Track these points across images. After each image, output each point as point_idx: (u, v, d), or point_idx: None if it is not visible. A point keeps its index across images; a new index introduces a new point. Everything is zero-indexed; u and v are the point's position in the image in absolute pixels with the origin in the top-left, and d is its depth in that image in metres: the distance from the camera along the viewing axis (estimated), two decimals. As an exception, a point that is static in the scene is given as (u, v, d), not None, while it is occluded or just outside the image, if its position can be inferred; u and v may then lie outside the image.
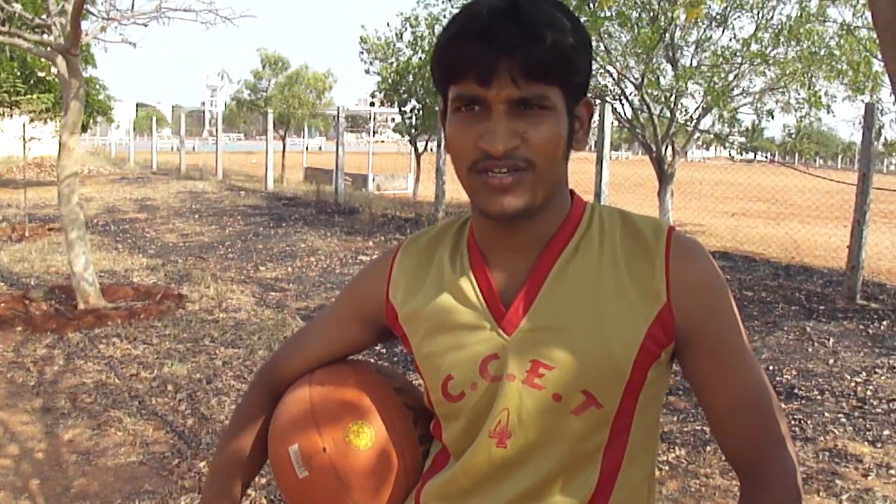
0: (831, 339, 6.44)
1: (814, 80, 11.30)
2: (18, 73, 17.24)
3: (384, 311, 1.31)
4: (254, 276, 8.95)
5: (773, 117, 12.44)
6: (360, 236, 11.96)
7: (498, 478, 1.18)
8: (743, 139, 12.50)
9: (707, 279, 1.17)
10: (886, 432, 4.59)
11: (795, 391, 5.27)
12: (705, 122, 12.39)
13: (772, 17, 11.48)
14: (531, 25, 1.06)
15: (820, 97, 11.37)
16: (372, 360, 1.65)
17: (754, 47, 11.25)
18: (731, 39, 12.26)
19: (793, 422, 4.74)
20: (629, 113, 12.27)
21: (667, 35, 11.32)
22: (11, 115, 17.98)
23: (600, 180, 9.65)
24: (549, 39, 1.06)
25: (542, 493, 1.16)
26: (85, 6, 6.58)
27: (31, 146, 12.93)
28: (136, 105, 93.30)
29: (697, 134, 12.74)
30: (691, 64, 12.05)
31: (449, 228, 1.30)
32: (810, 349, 6.19)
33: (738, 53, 11.53)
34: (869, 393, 5.23)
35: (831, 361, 5.88)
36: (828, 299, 7.90)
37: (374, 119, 28.94)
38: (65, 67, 6.98)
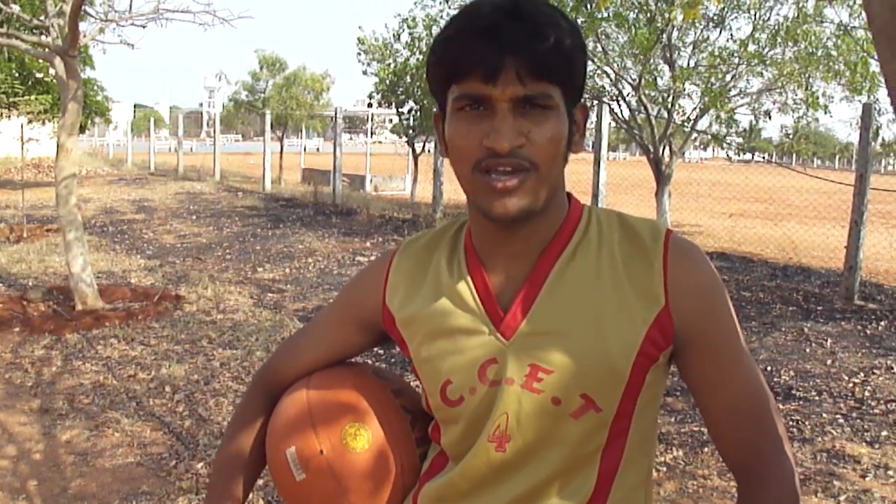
0: (829, 340, 6.44)
1: (811, 80, 11.32)
2: (16, 75, 17.22)
3: (381, 315, 1.31)
4: (251, 278, 8.95)
5: (770, 118, 12.45)
6: (358, 237, 11.96)
7: (496, 481, 1.18)
8: (740, 140, 12.48)
9: (705, 282, 1.17)
10: (884, 433, 4.59)
11: (793, 392, 5.28)
12: (703, 123, 12.41)
13: (769, 18, 11.51)
14: (535, 24, 1.06)
15: (817, 98, 11.39)
16: (370, 362, 1.65)
17: (751, 48, 11.27)
18: (728, 40, 12.24)
19: (790, 423, 4.74)
20: (626, 114, 12.29)
21: (664, 36, 11.33)
22: (9, 117, 17.96)
23: (598, 181, 9.65)
24: (552, 38, 1.06)
25: (539, 496, 1.16)
26: (83, 7, 6.57)
27: (29, 147, 12.92)
28: (134, 106, 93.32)
29: (695, 135, 12.75)
30: (689, 65, 12.06)
31: (446, 232, 1.30)
32: (808, 350, 6.20)
33: (735, 54, 11.55)
34: (867, 393, 5.23)
35: (829, 362, 5.88)
36: (825, 300, 7.91)
37: (372, 120, 28.92)
38: (63, 69, 6.97)
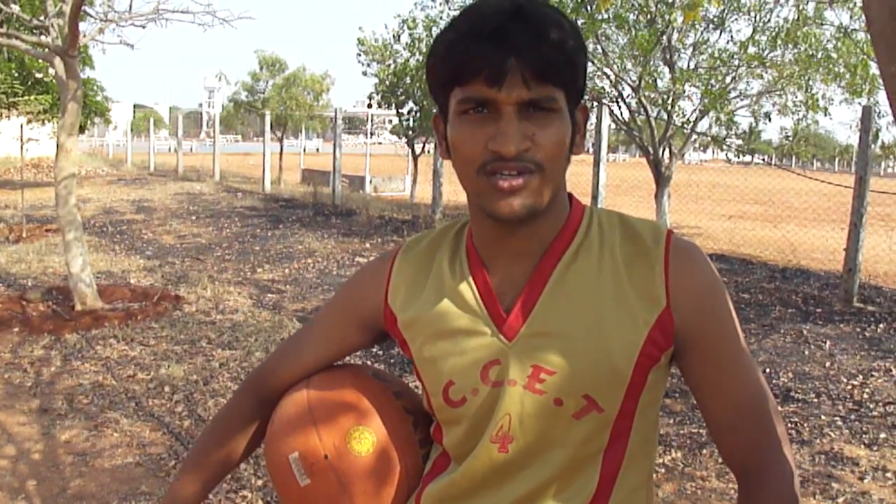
0: (828, 342, 6.45)
1: (811, 82, 11.31)
2: (16, 75, 17.22)
3: (383, 315, 1.31)
4: (251, 278, 8.95)
5: (770, 120, 12.46)
6: (358, 238, 11.96)
7: (499, 482, 1.19)
8: (740, 142, 12.47)
9: (706, 283, 1.18)
10: (883, 435, 4.59)
11: (792, 394, 5.28)
12: (702, 125, 12.40)
13: (769, 20, 11.50)
14: (539, 26, 1.06)
15: (817, 100, 11.39)
16: (369, 364, 1.65)
17: (752, 50, 11.27)
18: (728, 42, 12.23)
19: (789, 425, 4.74)
20: (626, 115, 12.27)
21: (664, 37, 11.33)
22: (9, 117, 17.96)
23: (597, 182, 9.65)
24: (556, 41, 1.07)
25: (542, 497, 1.17)
26: (83, 8, 6.57)
27: (29, 147, 12.94)
28: (134, 106, 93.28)
29: (694, 136, 12.75)
30: (689, 66, 12.06)
31: (447, 232, 1.30)
32: (807, 352, 6.20)
33: (735, 56, 11.54)
34: (865, 396, 5.23)
35: (828, 364, 5.89)
36: (824, 302, 7.91)
37: (372, 121, 28.93)
38: (62, 69, 6.98)
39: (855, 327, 6.95)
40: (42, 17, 7.37)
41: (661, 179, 11.79)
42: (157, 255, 10.38)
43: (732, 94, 12.14)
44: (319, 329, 1.40)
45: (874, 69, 10.26)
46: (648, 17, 11.28)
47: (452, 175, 1.17)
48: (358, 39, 17.88)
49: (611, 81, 12.09)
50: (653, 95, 11.67)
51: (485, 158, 1.09)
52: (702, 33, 12.13)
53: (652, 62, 11.59)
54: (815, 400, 5.18)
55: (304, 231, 12.52)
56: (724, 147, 12.37)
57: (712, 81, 11.47)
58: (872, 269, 9.93)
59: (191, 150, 44.85)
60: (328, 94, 27.84)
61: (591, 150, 10.59)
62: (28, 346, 6.16)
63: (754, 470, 1.17)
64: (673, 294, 1.15)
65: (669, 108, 11.64)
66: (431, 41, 1.17)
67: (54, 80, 11.99)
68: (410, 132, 18.23)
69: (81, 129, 15.79)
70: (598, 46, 11.55)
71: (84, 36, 7.44)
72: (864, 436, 4.59)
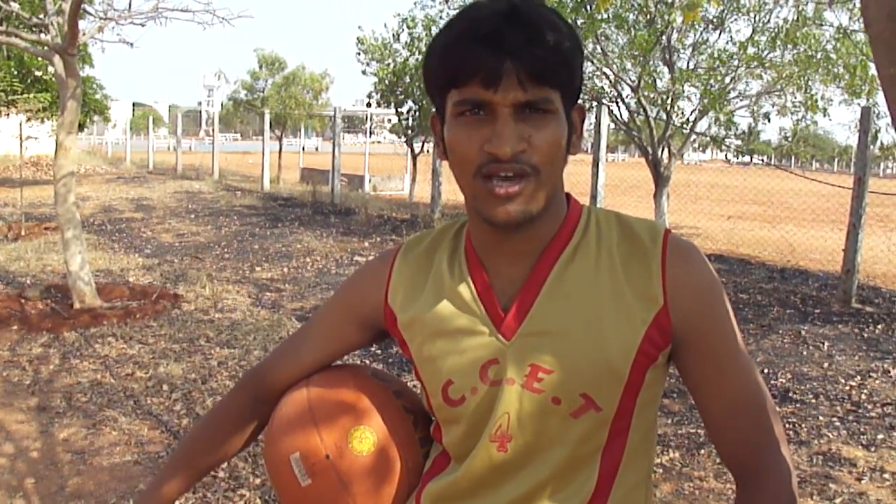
0: (826, 343, 6.45)
1: (810, 83, 11.32)
2: (15, 73, 17.23)
3: (383, 314, 1.31)
4: (250, 277, 8.95)
5: (769, 120, 12.47)
6: (356, 237, 11.96)
7: (498, 481, 1.19)
8: (739, 142, 12.48)
9: (703, 282, 1.18)
10: (880, 436, 4.60)
11: (790, 395, 5.28)
12: (702, 125, 12.40)
13: (768, 21, 11.51)
14: (535, 28, 1.07)
15: (816, 100, 11.40)
16: (367, 363, 1.65)
17: (751, 50, 11.28)
18: (727, 42, 12.24)
19: (787, 425, 4.75)
20: (626, 115, 12.28)
21: (664, 38, 11.34)
22: (8, 115, 17.97)
23: (596, 182, 9.66)
24: (552, 43, 1.07)
25: (541, 496, 1.17)
26: (82, 6, 6.57)
27: (28, 145, 12.93)
28: (133, 105, 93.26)
29: (694, 136, 12.76)
30: (688, 67, 12.06)
31: (446, 233, 1.31)
32: (805, 352, 6.21)
33: (734, 56, 11.55)
34: (863, 397, 5.24)
35: (826, 365, 5.89)
36: (823, 303, 7.92)
37: (371, 120, 28.92)
38: (62, 67, 6.97)
39: (853, 328, 6.96)
40: (42, 15, 7.36)
41: (660, 179, 11.80)
42: (155, 254, 10.38)
43: (732, 95, 12.15)
44: (318, 328, 1.40)
45: (873, 70, 10.26)
46: (648, 17, 11.28)
47: (451, 174, 1.17)
48: (357, 38, 17.89)
49: (610, 81, 12.09)
50: (652, 95, 11.67)
51: (481, 160, 1.09)
52: (701, 33, 12.14)
53: (651, 62, 11.60)
54: (813, 400, 5.18)
55: (302, 230, 12.51)
56: (724, 147, 12.38)
57: (711, 82, 11.48)
58: (871, 269, 9.93)
59: (190, 148, 44.82)
60: (327, 93, 27.88)
61: (589, 150, 10.60)
62: (27, 344, 6.16)
63: (752, 470, 1.17)
64: (670, 293, 1.16)
65: (669, 108, 11.64)
66: (431, 40, 1.16)
67: (53, 79, 11.99)
68: (409, 131, 18.23)
69: (80, 128, 15.79)
70: (598, 46, 11.56)
71: (83, 34, 7.44)
72: (861, 436, 4.60)
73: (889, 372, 5.72)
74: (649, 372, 1.16)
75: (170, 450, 4.32)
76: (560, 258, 1.19)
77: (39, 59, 13.52)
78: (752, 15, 11.58)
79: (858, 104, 10.68)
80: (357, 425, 1.28)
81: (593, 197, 9.66)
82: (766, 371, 5.72)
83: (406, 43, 17.04)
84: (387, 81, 17.53)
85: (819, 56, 10.81)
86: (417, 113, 17.48)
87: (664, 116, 11.78)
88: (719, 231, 14.69)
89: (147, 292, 7.77)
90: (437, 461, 1.29)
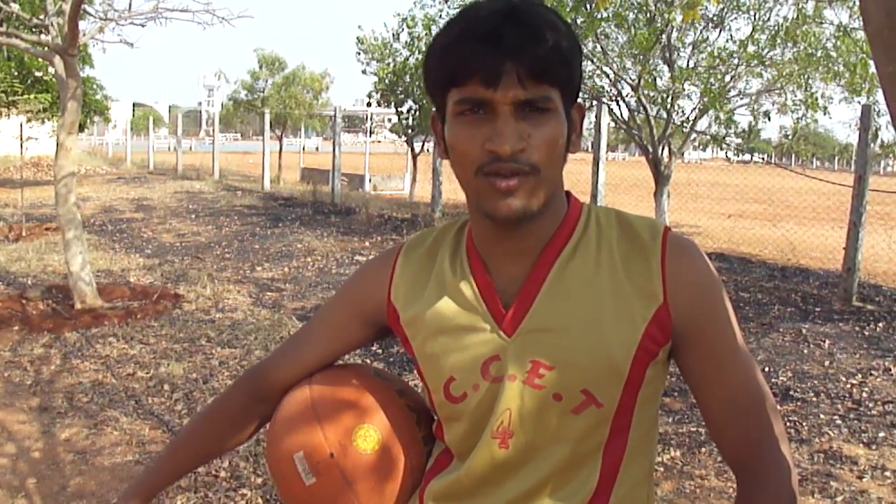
0: (827, 341, 6.45)
1: (810, 81, 11.31)
2: (16, 73, 17.24)
3: (386, 311, 1.32)
4: (250, 277, 8.95)
5: (769, 119, 12.45)
6: (357, 237, 11.97)
7: (501, 478, 1.20)
8: (739, 140, 12.47)
9: (703, 278, 1.19)
10: (881, 434, 4.60)
11: (791, 393, 5.29)
12: (702, 124, 12.39)
13: (768, 19, 11.49)
14: (534, 27, 1.07)
15: (816, 99, 11.38)
16: (369, 363, 1.66)
17: (751, 49, 11.27)
18: (727, 41, 12.20)
19: (788, 423, 4.75)
20: (626, 114, 12.26)
21: (663, 36, 11.33)
22: (9, 115, 17.98)
23: (597, 181, 9.66)
24: (551, 41, 1.08)
25: (544, 493, 1.18)
26: (82, 6, 6.57)
27: (29, 146, 12.94)
28: (133, 105, 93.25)
29: (694, 135, 12.74)
30: (688, 65, 12.04)
31: (448, 231, 1.31)
32: (806, 351, 6.21)
33: (734, 55, 11.54)
34: (864, 395, 5.24)
35: (827, 363, 5.89)
36: (824, 301, 7.92)
37: (371, 119, 28.92)
38: (62, 67, 6.98)
39: (854, 326, 6.96)
40: (42, 16, 7.36)
41: (661, 178, 11.79)
42: (156, 254, 10.39)
43: (732, 93, 12.14)
44: (321, 326, 1.40)
45: (873, 68, 10.25)
46: (648, 15, 11.28)
47: (452, 173, 1.18)
48: (357, 38, 17.89)
49: (610, 80, 12.09)
50: (652, 94, 11.66)
51: (482, 159, 1.10)
52: (701, 32, 12.13)
53: (651, 61, 11.59)
54: (814, 399, 5.18)
55: (303, 229, 12.52)
56: (724, 146, 12.36)
57: (712, 80, 11.47)
58: (872, 267, 9.93)
59: (190, 148, 44.80)
60: (327, 93, 27.91)
61: (590, 148, 10.59)
62: (28, 345, 6.17)
63: (753, 467, 1.18)
64: (670, 290, 1.16)
65: (669, 106, 11.63)
66: (431, 40, 1.17)
67: (54, 79, 12.01)
68: (410, 131, 18.23)
69: (81, 128, 15.78)
70: (598, 45, 11.55)
71: (84, 35, 7.45)
72: (862, 434, 4.60)
73: (890, 370, 5.73)
74: (650, 368, 1.17)
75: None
76: (560, 256, 1.19)
77: (40, 59, 13.51)
78: (752, 13, 11.57)
79: (859, 102, 10.69)
80: (361, 423, 1.28)
81: (594, 196, 9.66)
82: (766, 369, 5.73)
83: (406, 42, 17.04)
84: (387, 81, 17.52)
85: (819, 54, 10.81)
86: (417, 112, 17.47)
87: (664, 115, 11.77)
88: (720, 229, 14.69)
89: (148, 292, 7.78)
90: (439, 459, 1.30)
